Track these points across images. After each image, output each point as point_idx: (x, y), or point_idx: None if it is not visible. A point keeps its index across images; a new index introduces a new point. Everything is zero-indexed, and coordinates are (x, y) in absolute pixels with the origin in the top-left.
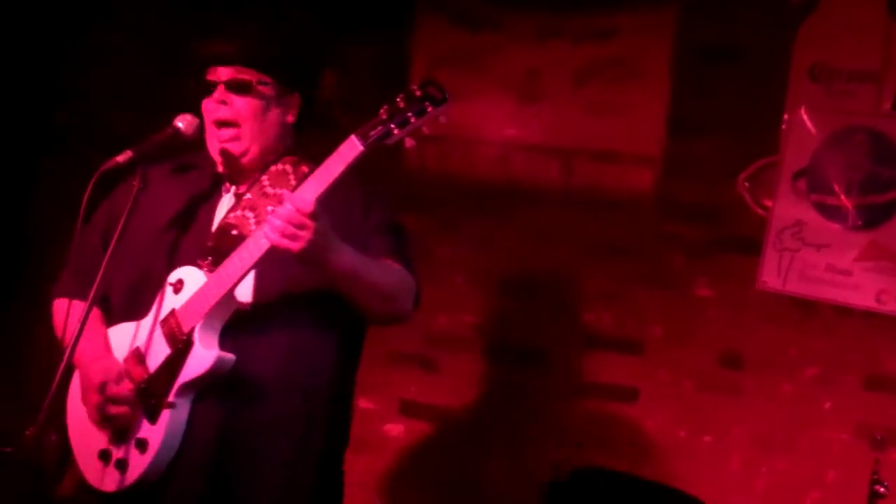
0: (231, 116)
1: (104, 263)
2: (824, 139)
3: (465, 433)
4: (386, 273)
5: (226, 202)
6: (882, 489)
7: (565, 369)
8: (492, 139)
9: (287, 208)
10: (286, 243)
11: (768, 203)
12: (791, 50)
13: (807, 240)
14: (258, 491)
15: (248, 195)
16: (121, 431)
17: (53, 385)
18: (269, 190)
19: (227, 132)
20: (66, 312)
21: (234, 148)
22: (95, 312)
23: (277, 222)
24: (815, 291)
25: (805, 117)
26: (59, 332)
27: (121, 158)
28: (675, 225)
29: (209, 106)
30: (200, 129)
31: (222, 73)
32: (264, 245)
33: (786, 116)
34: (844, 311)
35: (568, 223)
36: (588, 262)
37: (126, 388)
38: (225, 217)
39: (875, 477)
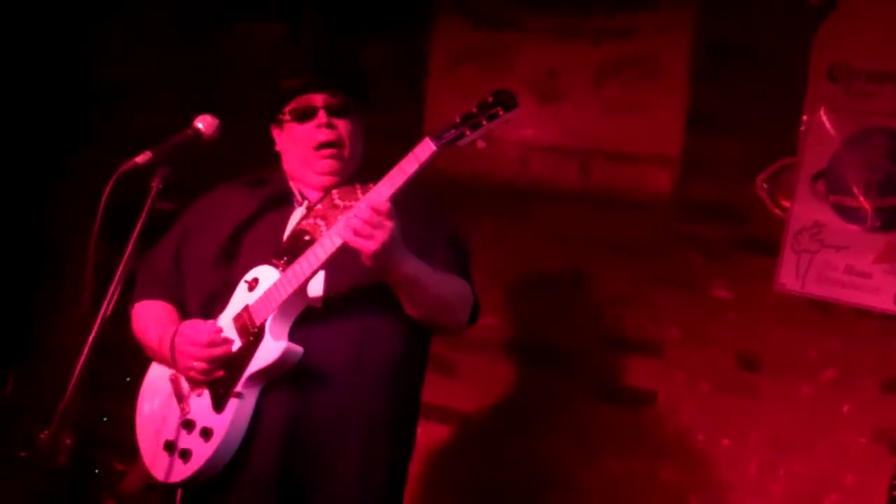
0: (337, 138)
1: (121, 268)
2: (843, 140)
3: (481, 435)
4: (446, 284)
5: (298, 213)
6: None
7: (584, 371)
8: (511, 139)
9: (363, 208)
10: (361, 243)
11: (787, 204)
12: (810, 50)
13: (825, 241)
14: (329, 484)
15: (319, 206)
16: (188, 422)
17: (70, 388)
18: (339, 202)
19: (333, 153)
20: (147, 312)
21: (340, 168)
22: (172, 312)
23: (354, 221)
24: (833, 293)
25: (824, 118)
26: (138, 335)
27: (140, 159)
28: (693, 225)
29: (307, 131)
30: (220, 129)
31: (317, 98)
32: (337, 242)
33: (805, 117)
34: (863, 314)
35: (586, 223)
36: (606, 262)
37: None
38: (298, 224)
39: (894, 482)
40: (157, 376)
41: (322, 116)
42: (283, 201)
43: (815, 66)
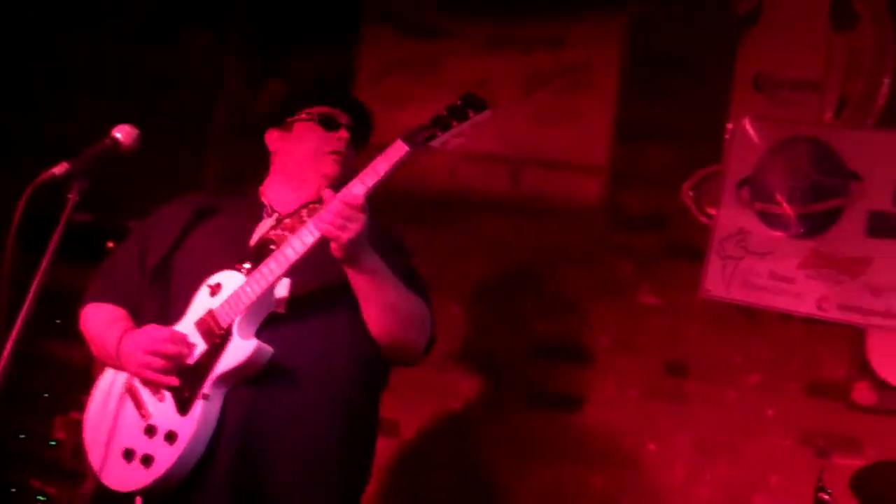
0: (346, 151)
1: (37, 280)
2: (768, 148)
3: (412, 444)
4: (407, 297)
5: (266, 224)
6: (826, 496)
7: (515, 378)
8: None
9: (337, 203)
10: (336, 233)
11: (712, 211)
12: (735, 60)
13: (750, 248)
14: (285, 490)
15: (288, 220)
16: (150, 427)
17: None
18: (307, 219)
19: (341, 160)
20: (100, 313)
21: (339, 176)
22: (126, 316)
23: (328, 215)
24: (758, 299)
25: (749, 126)
26: (88, 335)
27: (57, 171)
28: (622, 233)
29: (326, 138)
30: (140, 139)
31: (343, 116)
32: (308, 240)
33: (729, 126)
34: (787, 319)
35: (516, 232)
36: (536, 270)
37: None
38: (265, 234)
39: (819, 484)
40: (110, 384)
41: (344, 132)
42: (253, 213)
43: (740, 75)
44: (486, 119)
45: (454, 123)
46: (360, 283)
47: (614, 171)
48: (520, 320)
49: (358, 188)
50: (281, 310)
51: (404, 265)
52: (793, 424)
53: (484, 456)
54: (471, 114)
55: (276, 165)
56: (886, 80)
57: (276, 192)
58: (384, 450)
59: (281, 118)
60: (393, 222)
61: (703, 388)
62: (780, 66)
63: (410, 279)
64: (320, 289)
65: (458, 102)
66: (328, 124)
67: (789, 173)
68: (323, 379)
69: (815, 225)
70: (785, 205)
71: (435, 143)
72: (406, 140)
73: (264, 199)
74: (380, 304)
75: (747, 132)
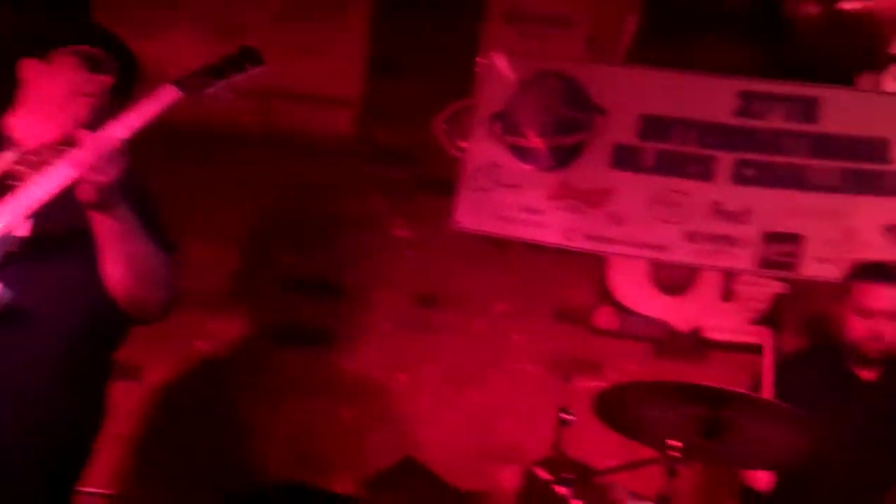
0: (104, 97)
1: None
2: (519, 83)
3: (158, 388)
4: (153, 251)
5: (7, 157)
6: (568, 417)
7: (265, 315)
8: None
9: (97, 144)
10: (93, 175)
11: (464, 145)
12: None
13: (501, 180)
14: (4, 426)
15: (32, 156)
16: None
17: None
18: (53, 158)
19: (96, 104)
20: None
21: (89, 121)
22: None
23: (87, 154)
24: (508, 230)
25: (500, 61)
26: None
27: None
28: (374, 166)
29: (87, 80)
30: None
31: (109, 60)
32: (59, 181)
33: (481, 60)
34: (536, 249)
35: (267, 166)
36: (287, 204)
37: None
38: (5, 167)
39: (562, 407)
40: None
41: (108, 78)
42: None
43: (493, 9)
44: (261, 73)
45: (230, 74)
46: (105, 232)
47: (367, 105)
48: (270, 255)
49: (119, 130)
50: (16, 249)
51: (152, 220)
52: (539, 350)
53: (234, 395)
54: (247, 66)
55: (26, 96)
56: (633, 18)
57: (22, 124)
58: (128, 395)
59: (43, 49)
60: (137, 169)
61: (453, 318)
62: (531, 1)
63: (158, 236)
64: (62, 232)
65: (235, 53)
66: (93, 65)
67: (539, 108)
68: (52, 323)
69: (563, 158)
70: (535, 138)
71: (209, 91)
72: (179, 85)
73: (6, 131)
74: (122, 256)
75: (499, 67)
